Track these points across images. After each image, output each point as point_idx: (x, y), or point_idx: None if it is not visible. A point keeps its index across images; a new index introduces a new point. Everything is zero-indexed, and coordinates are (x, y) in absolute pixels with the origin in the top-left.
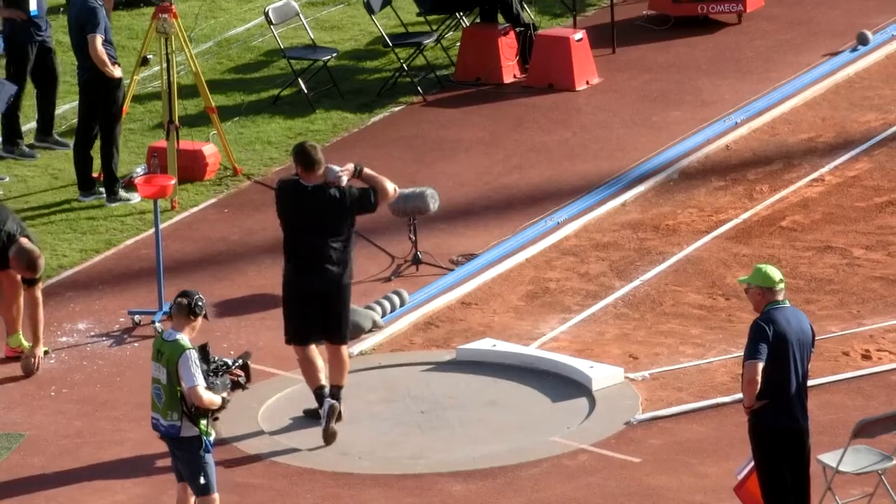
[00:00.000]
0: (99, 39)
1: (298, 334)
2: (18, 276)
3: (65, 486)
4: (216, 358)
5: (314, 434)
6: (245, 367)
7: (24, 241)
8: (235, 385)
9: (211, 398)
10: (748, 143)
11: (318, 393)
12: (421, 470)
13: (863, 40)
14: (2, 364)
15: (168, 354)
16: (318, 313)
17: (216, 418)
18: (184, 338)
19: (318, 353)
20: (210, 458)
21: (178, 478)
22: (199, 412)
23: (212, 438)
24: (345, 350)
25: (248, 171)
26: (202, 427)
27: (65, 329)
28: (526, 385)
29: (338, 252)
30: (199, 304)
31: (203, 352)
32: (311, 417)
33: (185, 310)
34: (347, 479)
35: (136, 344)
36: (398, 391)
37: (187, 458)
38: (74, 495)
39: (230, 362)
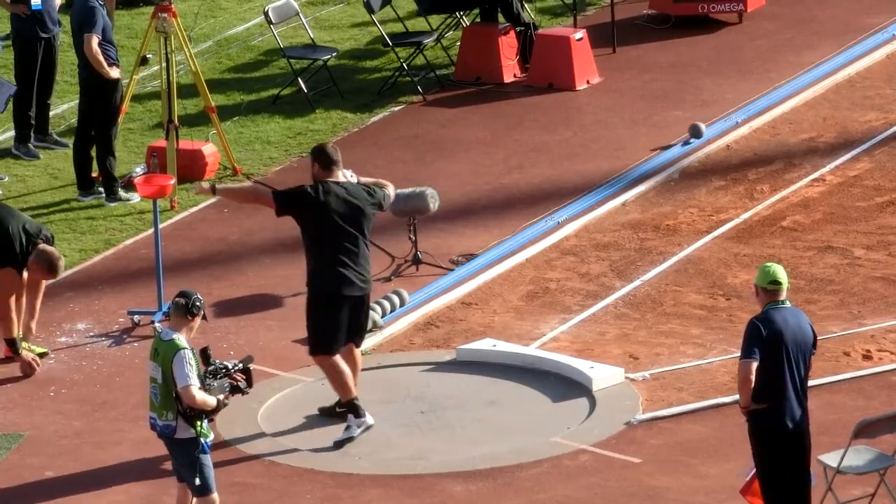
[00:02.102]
0: (95, 39)
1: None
2: (23, 278)
3: (64, 487)
4: (217, 361)
5: (314, 434)
6: (246, 372)
7: (43, 245)
8: (235, 389)
9: (204, 398)
10: (749, 143)
11: (353, 405)
12: (421, 470)
13: (695, 133)
14: (1, 364)
15: (163, 354)
16: (351, 318)
17: (212, 420)
18: (180, 337)
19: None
20: (207, 460)
21: (179, 478)
22: (194, 413)
23: (210, 440)
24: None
25: (248, 170)
26: (199, 428)
27: (64, 329)
28: (526, 385)
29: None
30: (197, 304)
31: (204, 354)
32: (326, 415)
33: (183, 309)
34: (347, 480)
35: (135, 344)
36: (398, 391)
37: (184, 459)
38: (74, 495)
39: (230, 366)
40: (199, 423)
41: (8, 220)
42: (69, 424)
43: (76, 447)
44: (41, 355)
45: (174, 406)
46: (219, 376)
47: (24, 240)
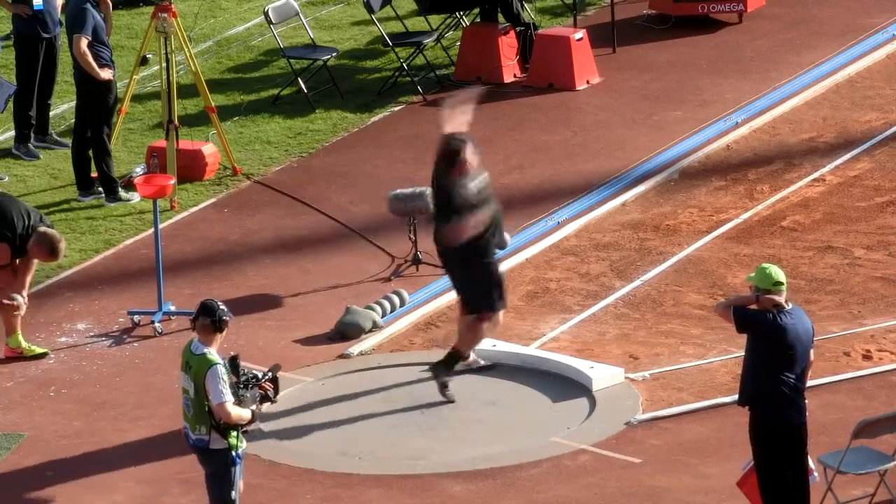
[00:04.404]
0: (84, 41)
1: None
2: (15, 263)
3: (64, 487)
4: (246, 370)
5: (314, 434)
6: (274, 381)
7: (44, 228)
8: (264, 398)
9: (239, 413)
10: (749, 143)
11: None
12: (421, 470)
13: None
14: (1, 364)
15: (196, 368)
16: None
17: (246, 431)
18: (211, 352)
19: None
20: (237, 473)
21: None
22: (228, 426)
23: (241, 451)
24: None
25: (248, 170)
26: (232, 440)
27: (64, 329)
28: (526, 385)
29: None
30: (224, 317)
31: (233, 363)
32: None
33: (211, 327)
34: (347, 480)
35: (135, 344)
36: (398, 391)
37: (213, 470)
38: (74, 495)
39: (260, 374)
40: (232, 433)
41: (10, 205)
42: (69, 424)
43: (76, 447)
44: (41, 355)
45: (207, 420)
46: (249, 386)
47: (25, 223)
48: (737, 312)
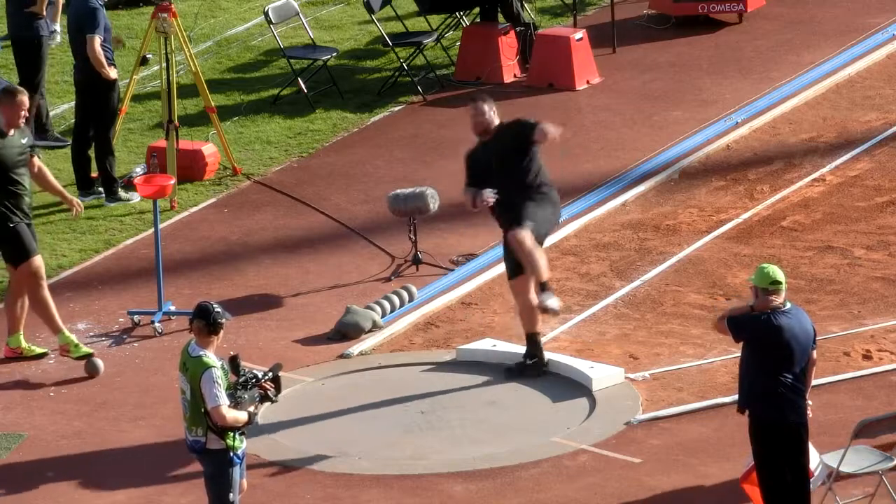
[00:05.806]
0: (98, 40)
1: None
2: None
3: (64, 487)
4: (246, 370)
5: (314, 434)
6: (275, 380)
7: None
8: (264, 398)
9: (235, 416)
10: (749, 143)
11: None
12: (421, 470)
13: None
14: (1, 364)
15: (192, 371)
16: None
17: (243, 433)
18: (208, 354)
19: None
20: (236, 473)
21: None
22: (224, 428)
23: (241, 451)
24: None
25: (248, 170)
26: (230, 441)
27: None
28: (526, 385)
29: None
30: (219, 319)
31: (233, 363)
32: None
33: (206, 329)
34: (347, 480)
35: (135, 344)
36: (398, 391)
37: (211, 471)
38: (74, 495)
39: (260, 374)
40: (230, 434)
41: None
42: (69, 424)
43: (76, 447)
44: (41, 355)
45: (203, 422)
46: (249, 386)
47: None
48: (731, 322)
